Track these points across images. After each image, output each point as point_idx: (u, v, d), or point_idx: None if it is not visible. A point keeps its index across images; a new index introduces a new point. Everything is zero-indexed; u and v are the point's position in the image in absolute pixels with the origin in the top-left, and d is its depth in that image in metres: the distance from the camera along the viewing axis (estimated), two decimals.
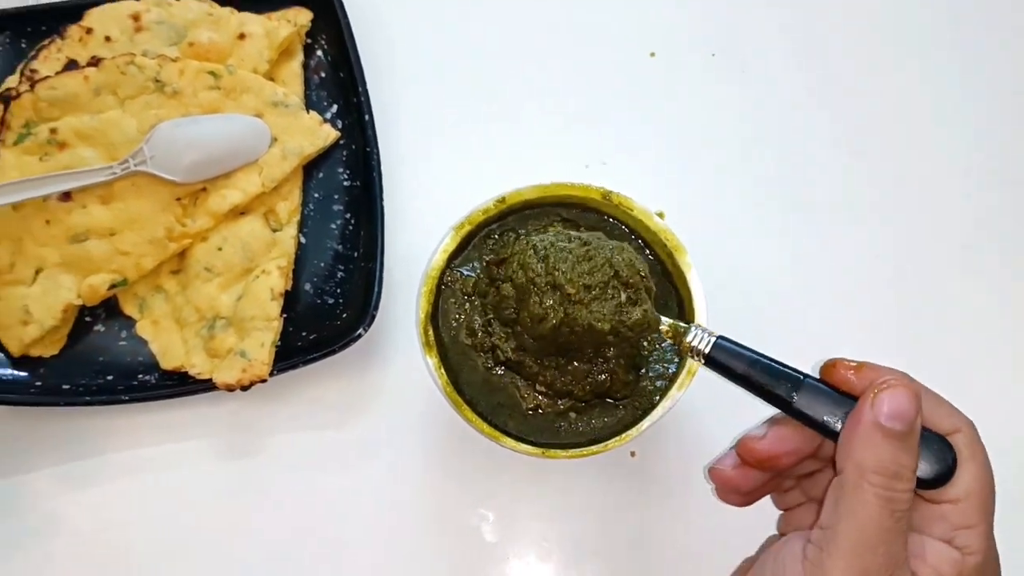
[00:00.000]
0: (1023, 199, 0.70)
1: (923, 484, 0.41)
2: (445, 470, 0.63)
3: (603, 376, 0.55)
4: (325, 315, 0.65)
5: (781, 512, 0.51)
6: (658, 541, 0.62)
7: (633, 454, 0.63)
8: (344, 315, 0.64)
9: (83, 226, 0.63)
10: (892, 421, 0.40)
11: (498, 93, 0.71)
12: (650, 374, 0.57)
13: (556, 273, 0.51)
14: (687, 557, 0.62)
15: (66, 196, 0.62)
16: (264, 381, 0.60)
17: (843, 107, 0.72)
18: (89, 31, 0.66)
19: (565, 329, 0.51)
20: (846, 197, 0.70)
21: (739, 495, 0.48)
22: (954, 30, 0.74)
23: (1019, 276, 0.69)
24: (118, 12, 0.67)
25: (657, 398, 0.56)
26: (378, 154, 0.65)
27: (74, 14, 0.67)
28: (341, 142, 0.67)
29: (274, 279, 0.63)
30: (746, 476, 0.47)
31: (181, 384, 0.62)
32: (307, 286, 0.66)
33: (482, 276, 0.58)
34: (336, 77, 0.69)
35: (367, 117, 0.66)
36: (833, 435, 0.43)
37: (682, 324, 0.51)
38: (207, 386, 0.61)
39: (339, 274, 0.66)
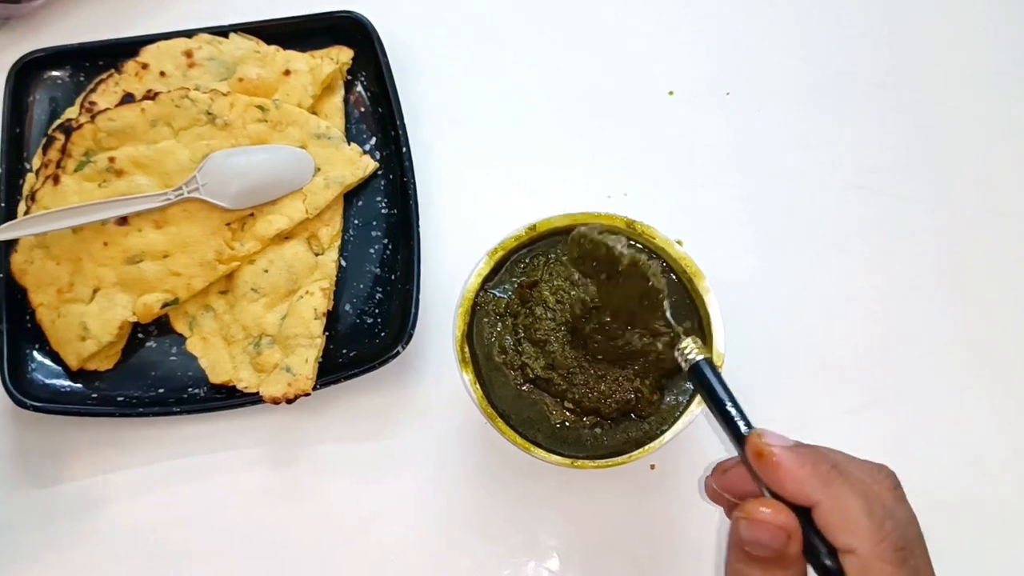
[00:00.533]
0: None
1: None
2: (477, 479, 0.65)
3: (630, 395, 0.57)
4: (365, 334, 0.67)
5: None
6: (672, 546, 0.64)
7: (653, 466, 0.65)
8: (383, 334, 0.66)
9: (138, 248, 0.65)
10: (755, 548, 0.40)
11: (526, 129, 0.74)
12: (673, 390, 0.59)
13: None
14: (699, 560, 0.64)
15: (123, 220, 0.65)
16: (308, 395, 0.63)
17: (854, 144, 0.73)
18: (145, 66, 0.69)
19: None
20: (859, 231, 0.71)
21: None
22: (964, 67, 0.75)
23: None
24: (172, 49, 0.69)
25: (677, 413, 0.58)
26: (414, 184, 0.67)
27: (130, 50, 0.69)
28: (380, 172, 0.70)
29: (317, 299, 0.65)
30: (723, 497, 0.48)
31: (229, 397, 0.64)
32: (347, 307, 0.68)
33: (513, 298, 0.61)
34: (375, 112, 0.71)
35: (404, 149, 0.68)
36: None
37: (682, 335, 0.50)
38: (254, 399, 0.63)
39: (378, 295, 0.68)
